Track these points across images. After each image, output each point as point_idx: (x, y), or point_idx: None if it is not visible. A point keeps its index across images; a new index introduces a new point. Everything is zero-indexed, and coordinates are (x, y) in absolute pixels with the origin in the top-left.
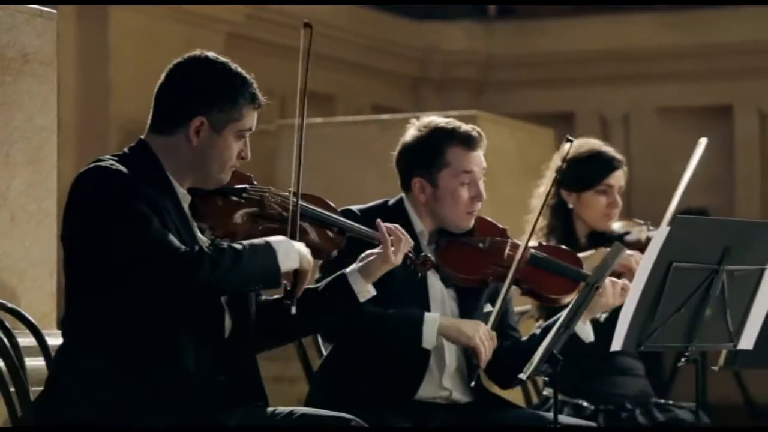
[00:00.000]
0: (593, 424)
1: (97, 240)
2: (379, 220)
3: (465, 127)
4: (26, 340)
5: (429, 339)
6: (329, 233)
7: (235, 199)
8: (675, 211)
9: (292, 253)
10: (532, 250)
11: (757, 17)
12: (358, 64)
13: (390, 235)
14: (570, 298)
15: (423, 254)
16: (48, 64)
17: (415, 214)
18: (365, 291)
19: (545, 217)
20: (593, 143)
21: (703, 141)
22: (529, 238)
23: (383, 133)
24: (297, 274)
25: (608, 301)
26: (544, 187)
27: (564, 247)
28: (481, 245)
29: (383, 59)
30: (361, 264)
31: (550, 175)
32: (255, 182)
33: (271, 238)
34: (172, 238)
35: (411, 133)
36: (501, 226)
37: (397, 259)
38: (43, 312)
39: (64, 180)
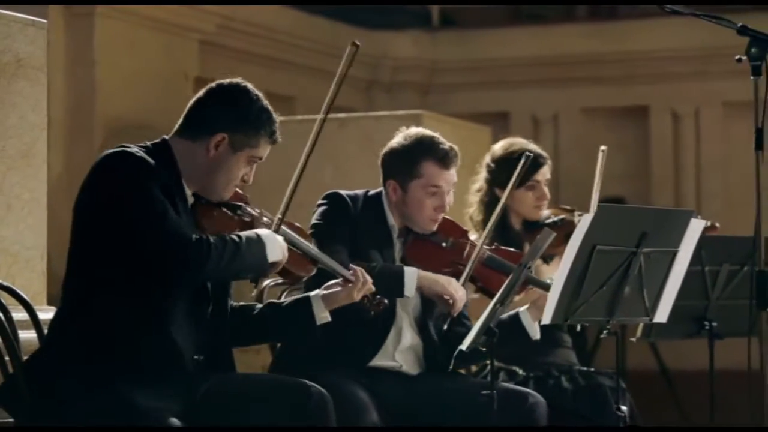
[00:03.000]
0: (530, 391)
1: (116, 217)
2: (357, 268)
3: (444, 145)
4: (20, 315)
5: (410, 287)
6: (303, 261)
7: (229, 213)
8: (598, 201)
9: (278, 245)
10: (488, 253)
11: (671, 29)
12: (316, 68)
13: (360, 279)
14: (518, 297)
15: (378, 298)
16: (39, 69)
17: (389, 209)
18: (323, 317)
19: (481, 212)
20: (520, 143)
21: (603, 148)
22: (483, 241)
23: (339, 130)
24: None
25: None
26: (479, 183)
27: (514, 250)
28: (444, 244)
29: (338, 64)
30: (325, 292)
31: (483, 173)
32: (248, 203)
33: (260, 231)
34: (184, 226)
35: (398, 139)
36: (463, 227)
37: (357, 298)
38: (35, 290)
39: (53, 172)
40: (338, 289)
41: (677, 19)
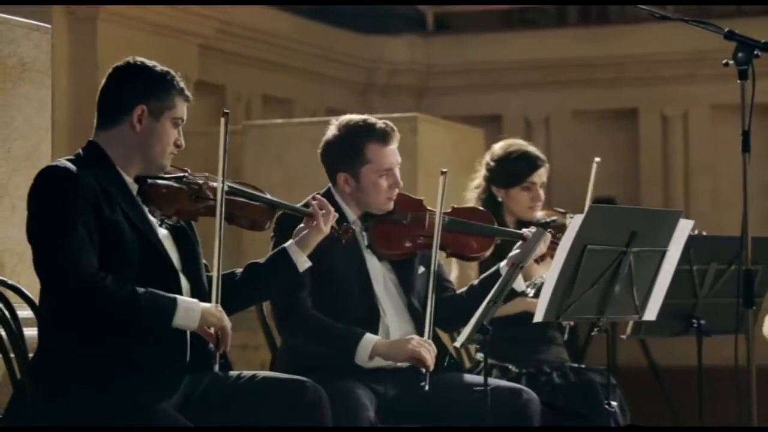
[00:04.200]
0: (521, 386)
1: (32, 240)
2: (314, 194)
3: (380, 123)
4: (25, 312)
5: (361, 357)
6: (263, 210)
7: (176, 185)
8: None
9: (193, 314)
10: (447, 217)
11: (660, 33)
12: (313, 72)
13: (321, 209)
14: (489, 252)
15: (345, 224)
16: (44, 72)
17: (345, 204)
18: (303, 261)
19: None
20: (519, 144)
21: (597, 160)
22: (440, 209)
23: None
24: (218, 335)
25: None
26: (477, 181)
27: (475, 206)
28: (404, 222)
29: (335, 68)
30: (297, 238)
31: (482, 171)
32: (189, 171)
33: (183, 298)
34: (86, 257)
35: (332, 131)
36: (416, 197)
37: (327, 229)
38: (39, 289)
39: None
40: (307, 230)
41: (666, 23)
